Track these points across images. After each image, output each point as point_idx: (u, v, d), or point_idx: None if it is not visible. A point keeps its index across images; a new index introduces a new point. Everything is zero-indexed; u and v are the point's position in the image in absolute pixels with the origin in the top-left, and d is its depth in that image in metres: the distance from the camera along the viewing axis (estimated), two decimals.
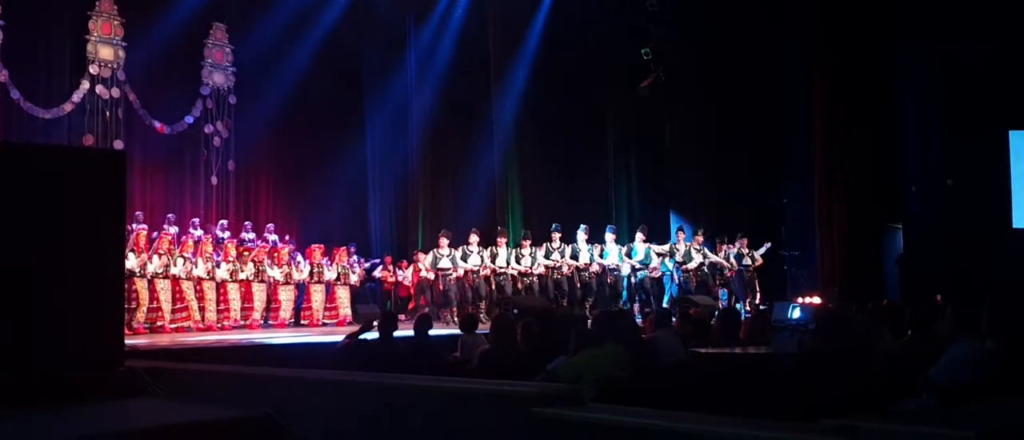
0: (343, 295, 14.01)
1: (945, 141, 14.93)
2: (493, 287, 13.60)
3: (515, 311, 10.90)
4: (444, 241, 13.54)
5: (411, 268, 14.56)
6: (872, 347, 5.41)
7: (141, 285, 11.60)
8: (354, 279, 14.24)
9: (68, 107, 13.73)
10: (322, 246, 13.92)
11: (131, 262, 11.33)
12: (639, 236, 14.20)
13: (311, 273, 13.60)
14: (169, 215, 13.67)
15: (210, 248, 12.72)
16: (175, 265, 12.07)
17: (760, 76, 16.71)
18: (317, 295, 13.67)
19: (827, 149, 15.30)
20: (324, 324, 13.52)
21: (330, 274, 13.78)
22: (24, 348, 3.95)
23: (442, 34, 17.09)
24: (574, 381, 4.71)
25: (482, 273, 13.42)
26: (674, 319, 8.36)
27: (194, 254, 12.50)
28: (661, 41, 16.33)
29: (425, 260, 13.73)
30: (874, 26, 15.14)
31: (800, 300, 13.34)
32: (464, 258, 13.36)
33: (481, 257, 13.41)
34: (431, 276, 13.56)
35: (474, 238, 13.58)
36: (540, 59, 17.19)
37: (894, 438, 2.52)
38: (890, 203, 15.51)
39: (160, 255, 11.92)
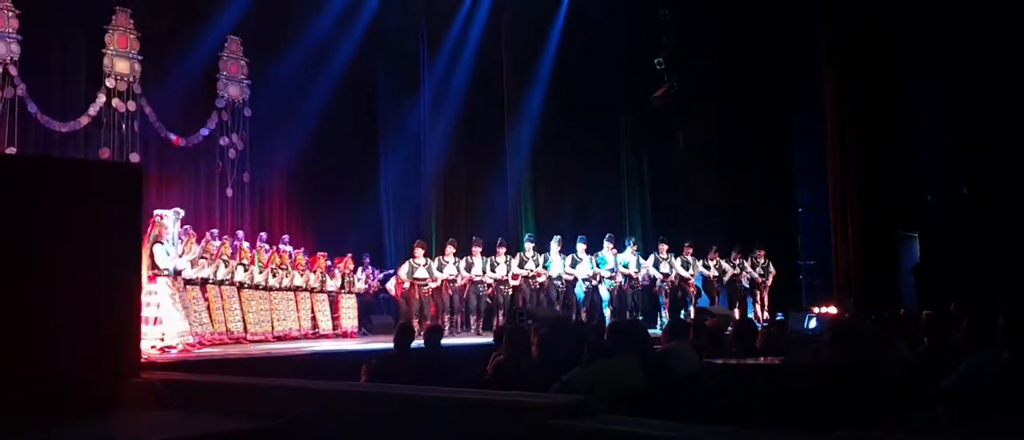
0: (348, 304, 13.81)
1: (960, 149, 14.84)
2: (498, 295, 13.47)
3: (529, 321, 10.89)
4: (419, 251, 13.36)
5: (392, 280, 14.27)
6: (887, 357, 5.39)
7: (213, 293, 11.64)
8: (359, 287, 14.11)
9: (84, 120, 13.79)
10: (325, 254, 13.88)
11: (206, 271, 11.46)
12: (607, 245, 13.92)
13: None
14: (185, 226, 13.69)
15: (297, 260, 13.09)
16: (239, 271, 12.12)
17: (773, 84, 16.68)
18: (321, 304, 13.51)
19: (841, 158, 15.26)
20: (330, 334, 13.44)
21: (333, 283, 13.63)
22: (41, 359, 3.98)
23: (458, 49, 17.11)
24: (588, 392, 4.71)
25: (458, 283, 13.24)
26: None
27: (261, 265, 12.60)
28: (674, 51, 16.31)
29: (401, 271, 13.53)
30: (885, 34, 15.11)
31: (816, 310, 13.34)
32: (440, 268, 13.22)
33: (457, 267, 13.25)
34: (407, 286, 13.41)
35: (450, 249, 13.40)
36: (553, 72, 17.21)
37: None
38: (905, 212, 15.44)
39: (226, 262, 11.90)
